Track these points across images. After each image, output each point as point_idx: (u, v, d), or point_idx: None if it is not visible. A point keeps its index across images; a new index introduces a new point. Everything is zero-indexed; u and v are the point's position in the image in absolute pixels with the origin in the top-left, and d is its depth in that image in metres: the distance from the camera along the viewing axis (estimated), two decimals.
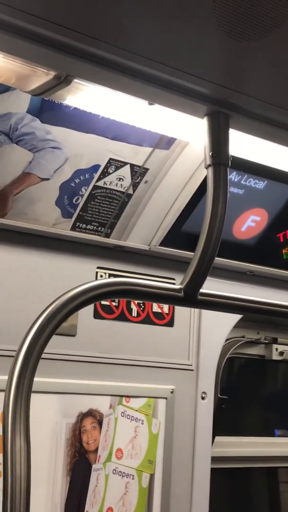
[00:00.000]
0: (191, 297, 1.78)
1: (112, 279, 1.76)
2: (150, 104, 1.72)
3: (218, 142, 1.75)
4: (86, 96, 1.70)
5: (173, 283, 2.23)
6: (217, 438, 3.00)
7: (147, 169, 2.29)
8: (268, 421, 3.76)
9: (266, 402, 3.75)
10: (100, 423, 2.43)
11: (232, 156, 2.10)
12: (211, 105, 1.72)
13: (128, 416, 2.49)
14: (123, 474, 2.44)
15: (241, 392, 3.58)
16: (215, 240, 1.75)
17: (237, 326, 2.97)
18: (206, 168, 1.76)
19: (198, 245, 1.75)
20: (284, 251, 2.82)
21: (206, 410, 2.73)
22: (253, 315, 2.70)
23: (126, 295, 1.89)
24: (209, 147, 1.75)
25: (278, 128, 1.81)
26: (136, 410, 2.51)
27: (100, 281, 1.62)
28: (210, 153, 1.75)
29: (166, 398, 2.59)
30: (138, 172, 2.29)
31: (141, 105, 1.71)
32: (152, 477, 2.54)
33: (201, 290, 1.81)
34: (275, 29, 1.52)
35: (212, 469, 2.93)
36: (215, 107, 1.73)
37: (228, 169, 1.76)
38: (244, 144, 1.98)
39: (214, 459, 2.98)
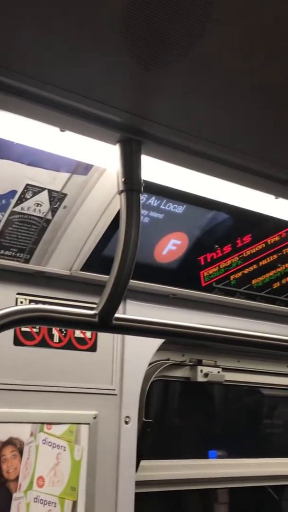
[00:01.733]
0: (106, 322, 1.78)
1: (23, 306, 1.75)
2: (61, 131, 1.73)
3: (131, 168, 1.77)
4: None
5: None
6: (144, 462, 3.00)
7: (65, 195, 2.30)
8: (197, 443, 3.78)
9: (194, 424, 3.77)
10: (20, 451, 2.40)
11: (150, 182, 2.14)
12: (123, 132, 1.74)
13: (50, 443, 2.46)
14: (45, 502, 2.41)
15: (169, 415, 3.60)
16: (129, 265, 1.76)
17: (162, 349, 2.99)
18: (119, 194, 1.78)
19: (112, 271, 1.76)
20: (205, 273, 2.85)
21: (129, 434, 2.73)
22: (175, 338, 2.73)
23: (39, 322, 1.88)
24: (121, 173, 1.77)
25: (188, 154, 1.84)
26: (58, 437, 2.49)
27: (10, 309, 1.60)
28: (123, 179, 1.77)
29: (88, 423, 2.58)
30: (57, 198, 2.29)
31: (53, 131, 1.72)
32: (75, 504, 2.51)
33: (116, 315, 1.82)
34: (182, 57, 1.55)
35: (144, 493, 2.92)
36: (127, 134, 1.75)
37: (140, 194, 1.78)
38: (161, 170, 2.01)
39: (142, 483, 2.98)
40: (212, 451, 3.71)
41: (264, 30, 1.53)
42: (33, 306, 1.92)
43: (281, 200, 2.24)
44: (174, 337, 2.04)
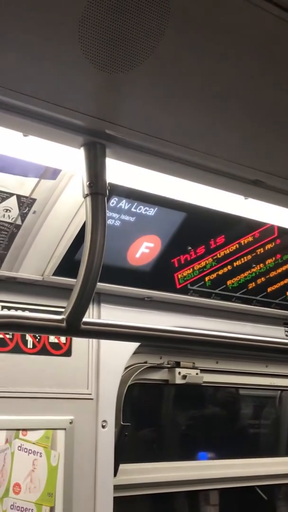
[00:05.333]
0: (74, 327, 1.78)
1: None
2: (24, 135, 1.72)
3: (95, 172, 1.77)
4: None
5: None
6: (123, 466, 2.99)
7: (34, 200, 2.29)
8: (178, 445, 3.77)
9: (175, 426, 3.77)
10: None
11: (121, 185, 2.13)
12: (87, 136, 1.74)
13: (26, 450, 2.45)
14: (22, 509, 2.39)
15: (148, 418, 3.59)
16: (95, 269, 1.75)
17: (139, 352, 2.98)
18: (84, 198, 1.77)
19: (78, 275, 1.75)
20: (179, 275, 2.85)
21: (107, 438, 2.71)
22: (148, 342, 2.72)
23: (4, 328, 1.87)
24: (86, 177, 1.77)
25: (154, 157, 1.84)
26: (33, 443, 2.47)
27: None
28: (88, 183, 1.76)
29: (65, 429, 2.57)
30: (26, 203, 2.28)
31: (15, 136, 1.72)
32: (52, 510, 2.49)
33: (85, 319, 1.82)
34: (143, 61, 1.55)
35: (126, 497, 2.90)
36: (91, 138, 1.75)
37: (106, 198, 1.78)
38: (131, 173, 2.00)
39: (122, 487, 2.97)
40: (202, 453, 3.71)
41: (225, 32, 1.54)
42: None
43: (250, 200, 2.25)
44: (145, 341, 2.03)
